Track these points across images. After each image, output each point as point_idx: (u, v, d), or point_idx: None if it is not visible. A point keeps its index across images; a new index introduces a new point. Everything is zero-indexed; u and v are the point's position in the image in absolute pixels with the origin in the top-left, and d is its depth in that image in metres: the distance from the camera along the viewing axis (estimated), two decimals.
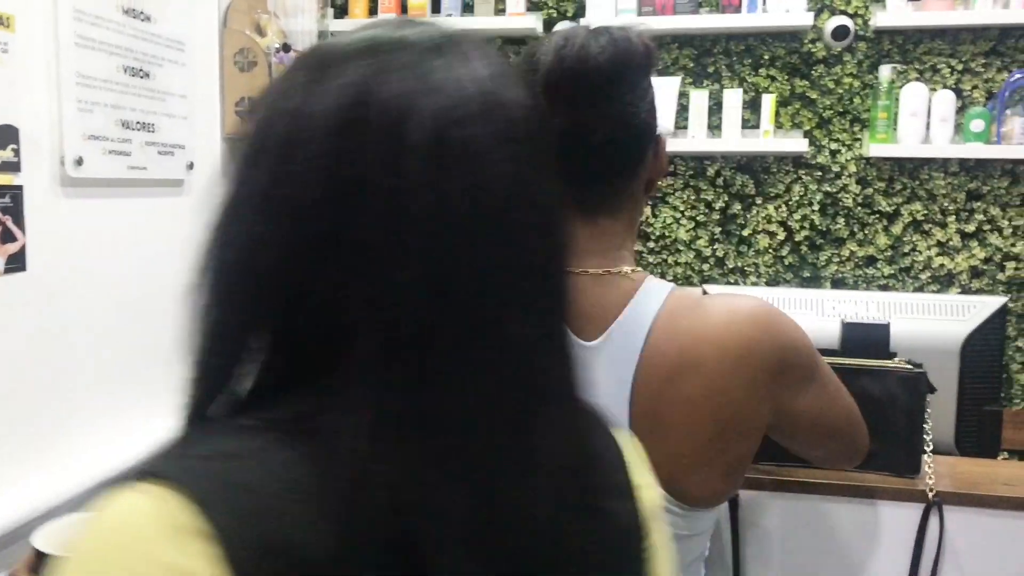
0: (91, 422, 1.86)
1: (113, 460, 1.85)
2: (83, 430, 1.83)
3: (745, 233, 2.76)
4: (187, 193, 2.19)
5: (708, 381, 0.87)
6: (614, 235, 0.94)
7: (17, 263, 1.62)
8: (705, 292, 1.85)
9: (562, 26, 2.68)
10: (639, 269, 0.95)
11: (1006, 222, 2.60)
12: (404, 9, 2.83)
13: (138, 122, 1.95)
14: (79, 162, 1.76)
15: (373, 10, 2.86)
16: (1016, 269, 2.60)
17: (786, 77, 2.69)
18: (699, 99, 2.66)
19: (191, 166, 2.17)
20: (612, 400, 0.88)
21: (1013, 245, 2.60)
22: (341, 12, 2.91)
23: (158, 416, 2.08)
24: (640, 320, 0.89)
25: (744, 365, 0.88)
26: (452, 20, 2.76)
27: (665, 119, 2.65)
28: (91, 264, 1.84)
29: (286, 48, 2.43)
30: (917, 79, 2.61)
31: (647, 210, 2.79)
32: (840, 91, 2.66)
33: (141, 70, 1.95)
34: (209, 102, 2.29)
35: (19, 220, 1.62)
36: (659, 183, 0.99)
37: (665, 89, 2.67)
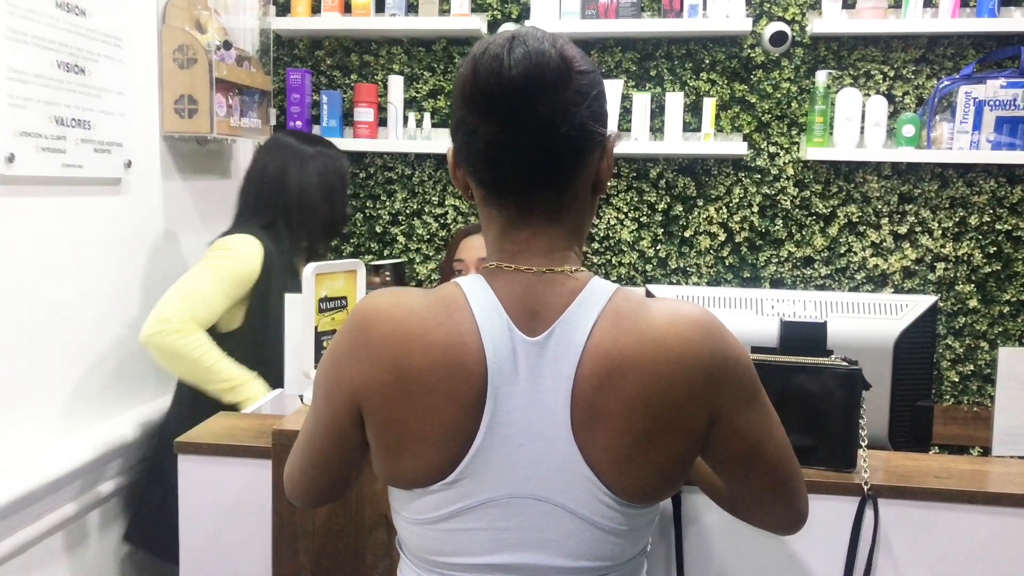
0: (20, 424, 1.81)
1: (42, 464, 1.80)
2: (9, 433, 1.78)
3: (687, 234, 2.80)
4: (124, 192, 2.14)
5: (647, 379, 0.88)
6: (557, 237, 0.94)
7: None
8: (649, 294, 1.87)
9: (507, 27, 2.69)
10: (583, 269, 0.95)
11: (936, 224, 2.68)
12: (348, 9, 2.82)
13: (73, 119, 1.90)
14: (10, 159, 1.71)
15: (316, 8, 2.83)
16: (946, 269, 2.69)
17: (726, 81, 2.74)
18: (641, 102, 2.69)
19: (129, 164, 2.12)
20: (554, 395, 0.89)
21: (943, 246, 2.68)
22: (283, 10, 2.88)
23: (89, 416, 2.03)
24: (583, 317, 0.90)
25: (683, 366, 0.89)
26: (396, 20, 2.75)
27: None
28: (23, 264, 1.79)
29: (227, 45, 2.40)
30: (851, 85, 2.68)
31: None
32: (778, 95, 2.72)
33: (76, 66, 1.91)
34: (147, 99, 2.25)
35: None
36: (607, 185, 0.99)
37: (609, 91, 2.69)
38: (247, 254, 2.01)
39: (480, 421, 0.89)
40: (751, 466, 0.97)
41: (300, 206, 2.10)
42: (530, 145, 0.88)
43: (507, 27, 2.71)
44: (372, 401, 0.92)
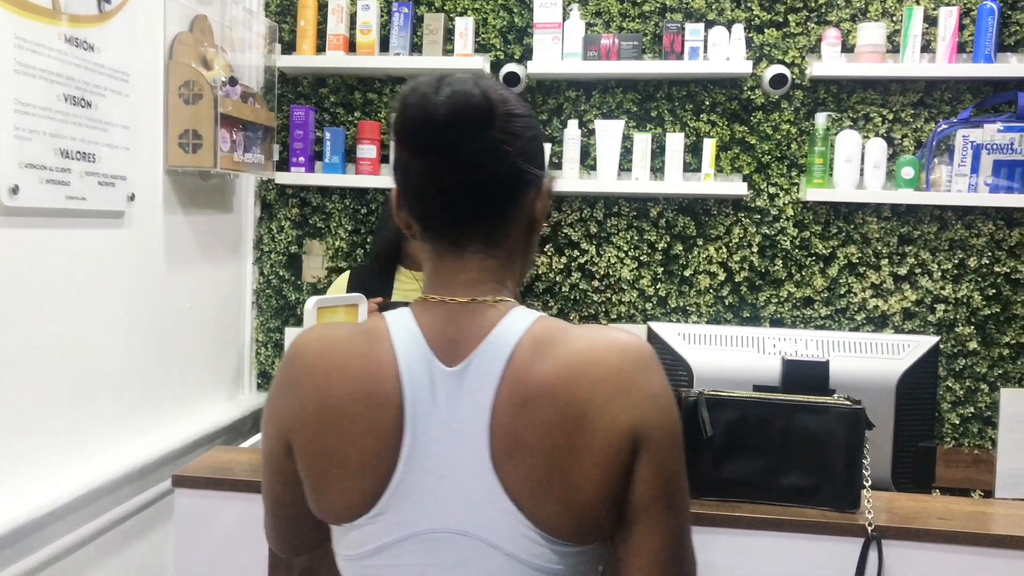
0: (19, 456, 1.79)
1: (49, 491, 1.78)
2: (12, 463, 1.77)
3: (687, 273, 2.80)
4: (128, 225, 2.15)
5: (562, 405, 0.86)
6: (487, 270, 0.94)
7: None
8: (651, 331, 1.87)
9: (510, 68, 2.72)
10: (509, 300, 0.95)
11: (935, 266, 2.69)
12: (352, 48, 2.85)
13: (78, 152, 1.91)
14: (14, 191, 1.72)
15: (321, 47, 2.87)
16: (945, 311, 2.69)
17: (726, 122, 2.77)
18: (642, 142, 2.71)
19: (132, 198, 2.13)
20: (472, 425, 0.88)
21: (942, 288, 2.69)
22: (288, 48, 2.92)
23: (87, 449, 2.02)
24: (501, 346, 0.89)
25: (602, 391, 0.86)
26: (400, 59, 2.78)
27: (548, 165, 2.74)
28: (26, 296, 1.78)
29: (232, 82, 2.42)
30: (851, 127, 2.70)
31: (591, 249, 2.83)
32: (778, 137, 2.74)
33: (83, 99, 1.92)
34: (152, 134, 2.26)
35: None
36: (543, 224, 1.00)
37: (610, 132, 2.72)
38: (336, 283, 2.58)
39: (400, 452, 0.89)
40: (662, 512, 0.90)
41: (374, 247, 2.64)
42: (459, 181, 0.90)
43: (508, 68, 2.75)
44: (297, 432, 0.93)
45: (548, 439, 0.86)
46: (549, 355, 0.88)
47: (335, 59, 2.81)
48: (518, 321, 0.91)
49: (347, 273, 2.56)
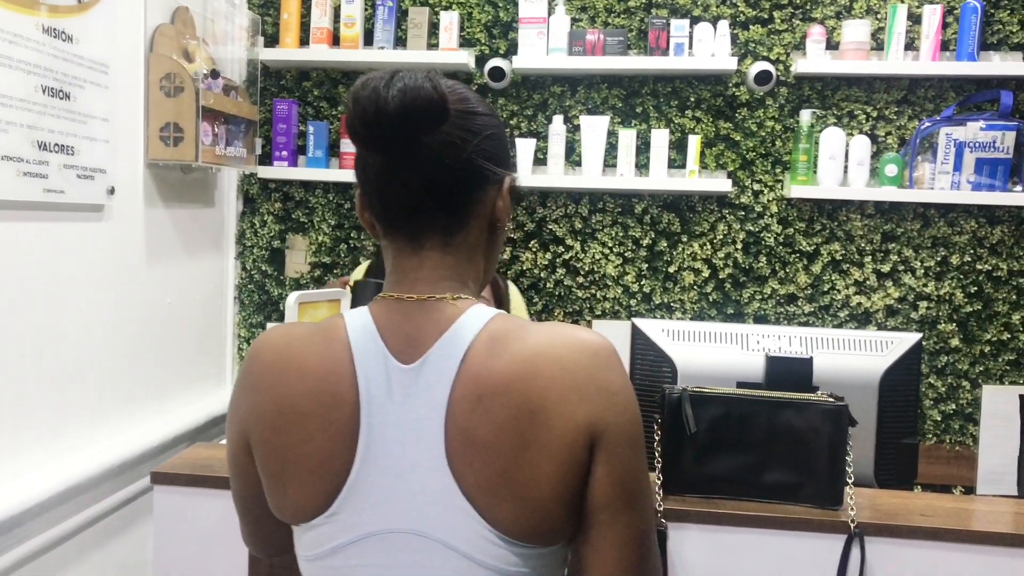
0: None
1: (26, 488, 1.76)
2: None
3: (671, 270, 2.80)
4: (107, 219, 2.12)
5: (516, 400, 0.85)
6: (446, 267, 0.93)
7: None
8: (635, 328, 1.86)
9: (495, 63, 2.71)
10: (468, 297, 0.93)
11: (918, 263, 2.70)
12: (336, 41, 2.83)
13: (56, 144, 1.89)
14: None
15: (304, 40, 2.84)
16: (928, 308, 2.70)
17: (711, 119, 2.77)
18: (627, 138, 2.71)
19: (112, 191, 2.10)
20: (428, 423, 0.86)
21: (925, 285, 2.70)
22: (272, 41, 2.89)
23: (67, 444, 2.00)
24: (458, 343, 0.88)
25: (556, 386, 0.85)
26: (384, 52, 2.76)
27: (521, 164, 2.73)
28: (2, 290, 1.76)
29: (214, 74, 2.40)
30: (835, 124, 2.71)
31: (576, 245, 2.82)
32: (763, 134, 2.75)
33: (61, 91, 1.90)
34: (132, 126, 2.23)
35: None
36: (507, 224, 0.99)
37: (595, 128, 2.71)
38: (354, 274, 2.58)
39: (355, 451, 0.88)
40: (622, 512, 0.89)
41: None
42: (412, 175, 0.89)
43: (493, 63, 2.73)
44: (255, 430, 0.93)
45: (502, 436, 0.85)
46: (505, 352, 0.87)
47: (319, 52, 2.79)
48: (475, 318, 0.90)
49: (366, 264, 2.53)
